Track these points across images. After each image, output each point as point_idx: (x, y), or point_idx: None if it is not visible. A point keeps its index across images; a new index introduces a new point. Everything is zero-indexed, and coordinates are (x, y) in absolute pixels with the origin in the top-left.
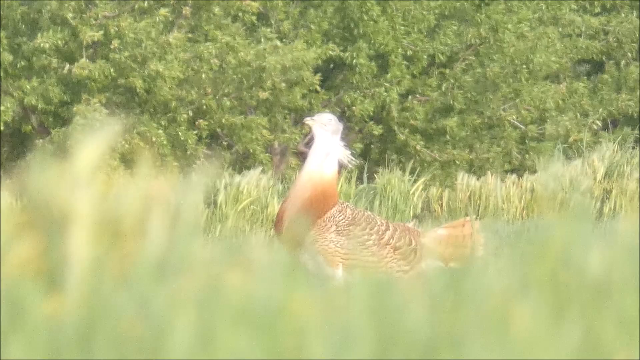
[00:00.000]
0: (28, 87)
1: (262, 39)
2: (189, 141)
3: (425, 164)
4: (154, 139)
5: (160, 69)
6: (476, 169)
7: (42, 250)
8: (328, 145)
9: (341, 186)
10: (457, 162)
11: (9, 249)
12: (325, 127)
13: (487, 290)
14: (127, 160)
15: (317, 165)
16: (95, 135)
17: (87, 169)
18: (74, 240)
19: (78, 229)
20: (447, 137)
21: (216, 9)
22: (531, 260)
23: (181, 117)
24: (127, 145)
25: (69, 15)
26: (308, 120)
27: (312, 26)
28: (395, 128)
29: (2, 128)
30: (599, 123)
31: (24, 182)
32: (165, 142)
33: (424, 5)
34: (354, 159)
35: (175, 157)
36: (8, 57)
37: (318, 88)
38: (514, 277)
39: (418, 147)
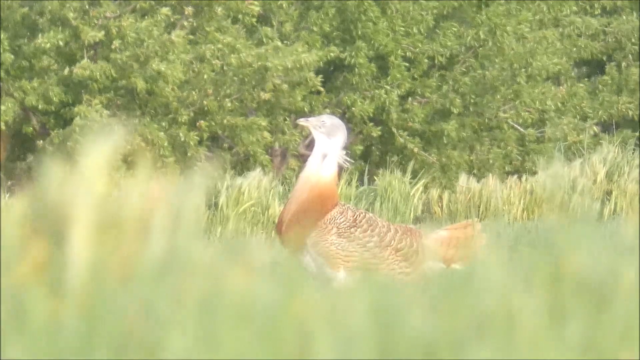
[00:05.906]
0: (29, 87)
1: (264, 39)
2: (190, 142)
3: (426, 166)
4: (154, 140)
5: (163, 68)
6: (476, 170)
7: (45, 252)
8: (325, 147)
9: (342, 188)
10: (454, 167)
11: (15, 252)
12: (319, 128)
13: (489, 292)
14: (128, 161)
15: (315, 167)
16: (101, 139)
17: (93, 172)
18: (76, 242)
19: (80, 231)
20: (445, 140)
21: (219, 9)
22: (533, 261)
23: (182, 118)
24: (128, 147)
25: (70, 15)
26: (301, 121)
27: (313, 28)
28: (394, 130)
29: (3, 128)
30: (596, 129)
31: (29, 184)
32: (166, 144)
33: (423, 6)
34: (349, 159)
35: (175, 159)
36: (9, 57)
37: (320, 89)
38: (516, 279)
39: (415, 150)
